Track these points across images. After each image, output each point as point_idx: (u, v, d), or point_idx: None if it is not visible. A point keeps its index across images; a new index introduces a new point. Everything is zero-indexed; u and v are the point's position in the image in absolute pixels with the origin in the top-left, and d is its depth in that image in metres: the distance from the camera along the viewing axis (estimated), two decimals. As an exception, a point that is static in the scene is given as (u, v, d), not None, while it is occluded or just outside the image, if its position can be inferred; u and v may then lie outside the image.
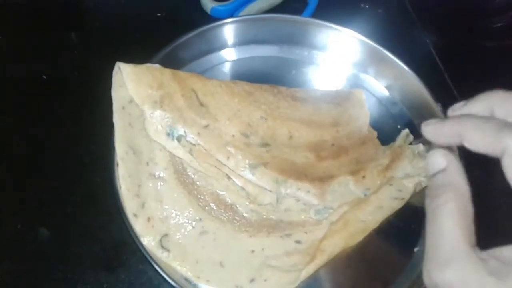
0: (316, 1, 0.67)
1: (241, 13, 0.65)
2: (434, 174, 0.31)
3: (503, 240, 0.29)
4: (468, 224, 0.28)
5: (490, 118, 0.29)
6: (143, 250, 0.44)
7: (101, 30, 0.66)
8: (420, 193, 0.51)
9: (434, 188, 0.31)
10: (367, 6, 0.72)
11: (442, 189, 0.30)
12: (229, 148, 0.49)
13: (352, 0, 0.73)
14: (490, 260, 0.27)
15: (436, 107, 0.53)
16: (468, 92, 0.61)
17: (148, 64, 0.50)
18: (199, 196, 0.48)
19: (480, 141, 0.28)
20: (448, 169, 0.31)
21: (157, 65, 0.50)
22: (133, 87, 0.47)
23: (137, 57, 0.50)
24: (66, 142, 0.55)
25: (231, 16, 0.64)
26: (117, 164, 0.46)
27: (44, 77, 0.60)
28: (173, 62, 0.53)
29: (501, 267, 0.27)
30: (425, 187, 0.51)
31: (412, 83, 0.56)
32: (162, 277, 0.43)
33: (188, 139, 0.48)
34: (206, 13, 0.65)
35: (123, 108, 0.48)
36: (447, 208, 0.29)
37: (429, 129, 0.32)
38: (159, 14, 0.67)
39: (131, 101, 0.48)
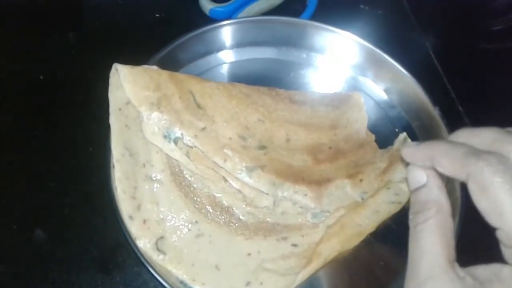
0: (315, 3, 0.66)
1: (240, 15, 0.64)
2: (415, 190, 0.33)
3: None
4: (448, 240, 0.30)
5: (460, 145, 0.31)
6: (138, 253, 0.44)
7: (99, 31, 0.65)
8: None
9: (415, 204, 0.32)
10: (366, 8, 0.72)
11: (424, 206, 0.31)
12: (226, 151, 0.48)
13: (351, 2, 0.72)
14: (467, 277, 0.29)
15: (434, 111, 0.53)
16: (467, 95, 0.62)
17: (146, 66, 0.49)
18: (195, 198, 0.48)
19: (448, 166, 0.30)
20: (428, 185, 0.32)
21: (155, 67, 0.50)
22: (130, 88, 0.47)
23: (135, 57, 0.50)
24: (62, 143, 0.55)
25: (230, 17, 0.64)
26: (113, 166, 0.46)
27: (41, 77, 0.59)
28: (171, 64, 0.53)
29: (476, 285, 0.29)
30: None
31: (411, 86, 0.55)
32: (158, 279, 0.43)
33: (185, 141, 0.48)
34: (205, 14, 0.65)
35: (120, 109, 0.47)
36: (429, 225, 0.30)
37: (406, 151, 0.34)
38: (157, 15, 0.67)
39: (128, 102, 0.48)
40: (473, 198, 0.29)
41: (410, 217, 0.32)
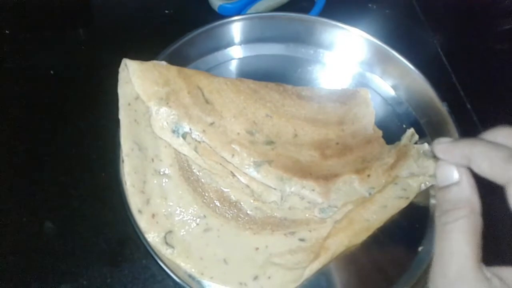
0: (323, 1, 0.66)
1: (248, 11, 0.65)
2: (446, 187, 0.32)
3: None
4: (477, 241, 0.30)
5: (500, 147, 0.30)
6: (147, 246, 0.45)
7: (109, 27, 0.66)
8: (425, 193, 0.51)
9: (445, 202, 0.31)
10: (374, 6, 0.72)
11: (455, 204, 0.31)
12: (234, 146, 0.49)
13: (359, 1, 0.72)
14: (494, 279, 0.29)
15: (442, 107, 0.53)
16: (475, 92, 0.62)
17: (155, 61, 0.50)
18: (203, 193, 0.48)
19: (487, 168, 0.29)
20: (461, 183, 0.31)
21: (163, 62, 0.50)
22: (139, 83, 0.48)
23: (144, 53, 0.50)
24: (72, 137, 0.55)
25: (238, 14, 0.64)
26: (123, 161, 0.46)
27: (52, 72, 0.60)
28: (179, 59, 0.53)
29: (503, 287, 0.29)
30: (430, 186, 0.50)
31: (418, 82, 0.55)
32: (166, 272, 0.43)
33: (193, 136, 0.48)
34: (213, 10, 0.65)
35: (129, 104, 0.48)
36: (460, 225, 0.30)
37: (440, 147, 0.33)
38: (167, 11, 0.67)
39: (137, 97, 0.48)
40: (510, 202, 0.28)
41: (438, 214, 0.32)
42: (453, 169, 0.32)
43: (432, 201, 0.52)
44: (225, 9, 0.65)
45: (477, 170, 0.30)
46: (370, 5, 0.72)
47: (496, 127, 0.32)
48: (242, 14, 0.63)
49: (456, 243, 0.30)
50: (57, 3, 0.67)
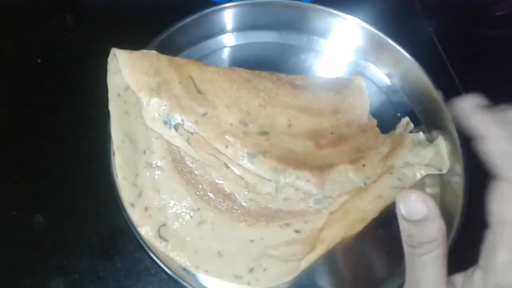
0: (317, -13, 0.65)
1: (241, -2, 0.63)
2: (418, 222, 0.32)
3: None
4: (446, 262, 0.32)
5: None
6: (140, 240, 0.44)
7: (97, 14, 0.64)
8: (420, 182, 0.51)
9: (419, 236, 0.32)
10: (369, -8, 0.71)
11: (428, 237, 0.31)
12: (227, 137, 0.48)
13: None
14: None
15: (437, 95, 0.52)
16: (470, 80, 0.62)
17: (144, 50, 0.48)
18: (197, 185, 0.48)
19: (494, 155, 0.30)
20: (430, 217, 0.31)
21: (154, 51, 0.49)
22: (129, 74, 0.46)
23: (134, 42, 0.49)
24: (62, 128, 0.54)
25: (230, 0, 0.63)
26: (114, 153, 0.45)
27: (39, 60, 0.58)
28: (170, 48, 0.52)
29: None
30: (426, 175, 0.50)
31: (413, 70, 0.55)
32: (159, 266, 0.43)
33: (185, 127, 0.47)
34: (205, -3, 0.64)
35: (119, 95, 0.47)
36: (435, 254, 0.31)
37: (462, 106, 0.33)
38: (157, -3, 0.66)
39: (127, 88, 0.47)
40: (492, 194, 0.29)
41: (410, 244, 0.33)
42: (422, 203, 0.31)
43: (428, 190, 0.51)
44: (217, -5, 0.63)
45: (483, 150, 0.31)
46: (364, -11, 0.71)
47: None
48: (235, 1, 0.62)
49: (431, 271, 0.31)
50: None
